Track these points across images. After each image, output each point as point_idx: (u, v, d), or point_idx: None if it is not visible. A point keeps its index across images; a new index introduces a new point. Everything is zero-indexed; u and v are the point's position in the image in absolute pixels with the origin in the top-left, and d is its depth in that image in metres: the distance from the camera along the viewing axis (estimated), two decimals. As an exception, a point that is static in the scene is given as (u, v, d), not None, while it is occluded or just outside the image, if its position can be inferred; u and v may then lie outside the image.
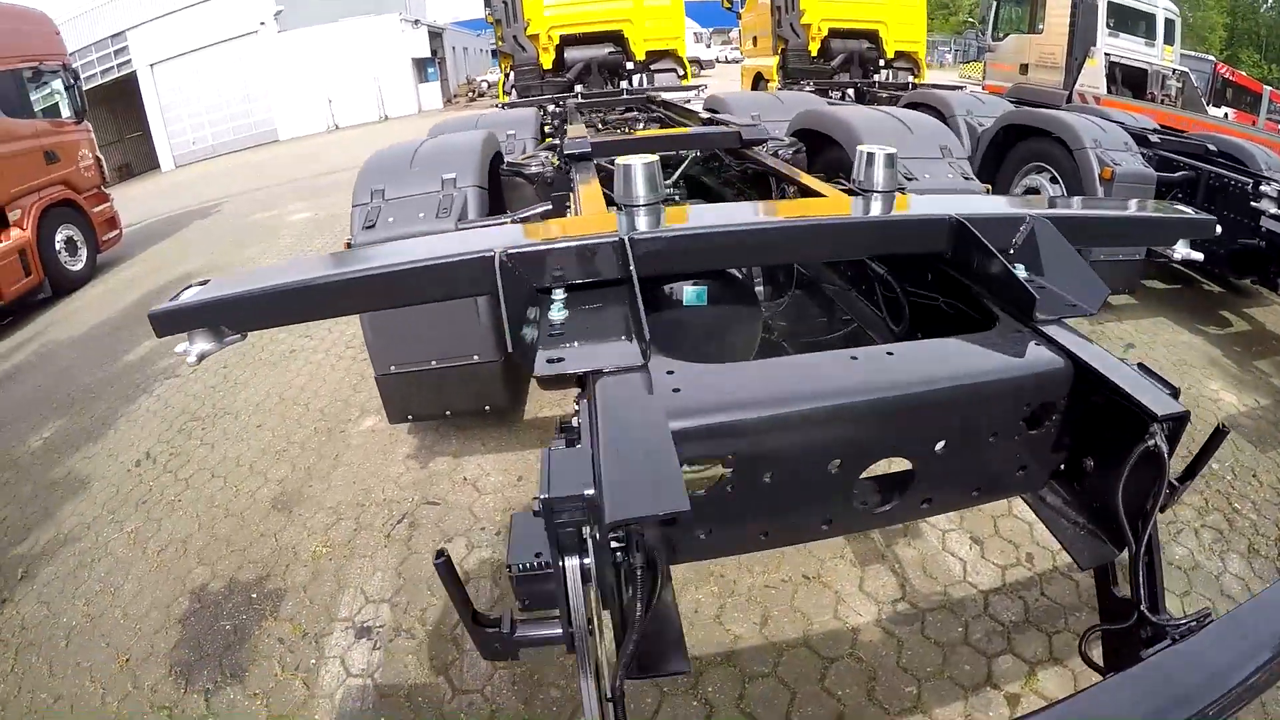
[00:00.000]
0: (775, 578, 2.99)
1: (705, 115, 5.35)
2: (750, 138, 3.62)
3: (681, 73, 10.19)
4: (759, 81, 11.79)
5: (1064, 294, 1.66)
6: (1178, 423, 1.29)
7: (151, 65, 28.82)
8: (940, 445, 1.44)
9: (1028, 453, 1.54)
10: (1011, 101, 7.66)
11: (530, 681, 2.63)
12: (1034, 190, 5.36)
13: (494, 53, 10.18)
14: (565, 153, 3.77)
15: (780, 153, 3.83)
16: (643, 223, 1.86)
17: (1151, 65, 11.48)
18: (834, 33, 9.79)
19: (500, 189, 3.89)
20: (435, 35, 35.34)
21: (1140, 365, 1.45)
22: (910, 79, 9.69)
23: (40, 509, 4.35)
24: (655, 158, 2.01)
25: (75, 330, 8.52)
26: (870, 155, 2.15)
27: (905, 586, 2.93)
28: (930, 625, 2.74)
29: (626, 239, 1.64)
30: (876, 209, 2.06)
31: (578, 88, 9.61)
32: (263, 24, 28.89)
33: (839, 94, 9.60)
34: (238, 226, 13.31)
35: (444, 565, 1.17)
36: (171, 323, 1.61)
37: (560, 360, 1.42)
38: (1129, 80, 10.89)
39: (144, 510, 4.12)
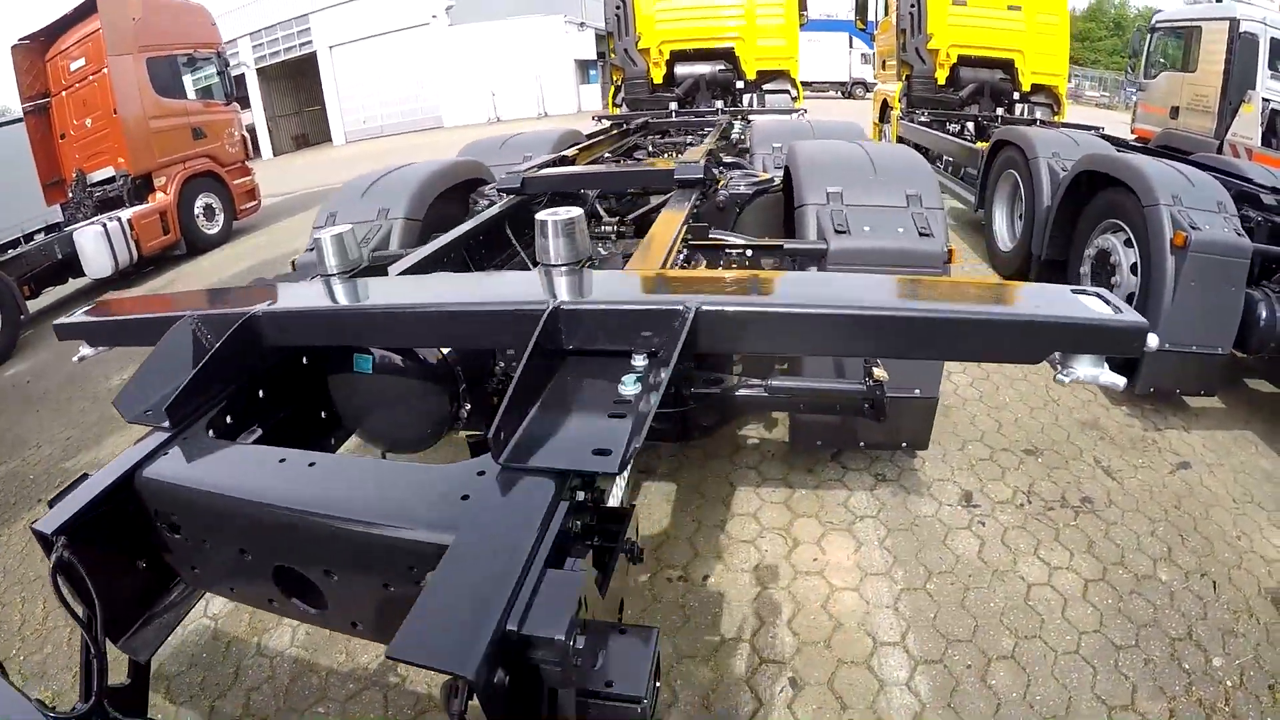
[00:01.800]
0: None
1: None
2: (682, 177, 3.51)
3: (794, 94, 9.96)
4: (886, 109, 11.26)
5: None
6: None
7: (330, 47, 32.28)
8: (333, 575, 1.38)
9: None
10: (1155, 149, 6.78)
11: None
12: (1105, 254, 4.70)
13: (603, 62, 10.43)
14: (498, 187, 3.87)
15: (732, 191, 3.69)
16: (342, 295, 2.03)
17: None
18: (964, 60, 9.10)
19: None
20: (603, 38, 36.57)
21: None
22: (1040, 116, 8.83)
23: (94, 436, 5.25)
24: (349, 228, 2.13)
25: (193, 286, 9.68)
26: (543, 223, 1.83)
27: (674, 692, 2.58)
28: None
29: (252, 314, 1.84)
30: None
31: (672, 105, 9.67)
32: (434, 17, 31.36)
33: (957, 126, 8.98)
34: (364, 209, 14.39)
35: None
36: (63, 332, 2.25)
37: (143, 412, 1.71)
38: (1295, 132, 9.21)
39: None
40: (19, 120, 11.07)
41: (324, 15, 31.46)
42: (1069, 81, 9.34)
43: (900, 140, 10.37)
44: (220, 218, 12.19)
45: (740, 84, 9.91)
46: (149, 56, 10.70)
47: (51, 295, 9.85)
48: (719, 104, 9.73)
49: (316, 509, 1.34)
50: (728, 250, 2.94)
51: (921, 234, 3.02)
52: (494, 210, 3.75)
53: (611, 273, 2.02)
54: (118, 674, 1.58)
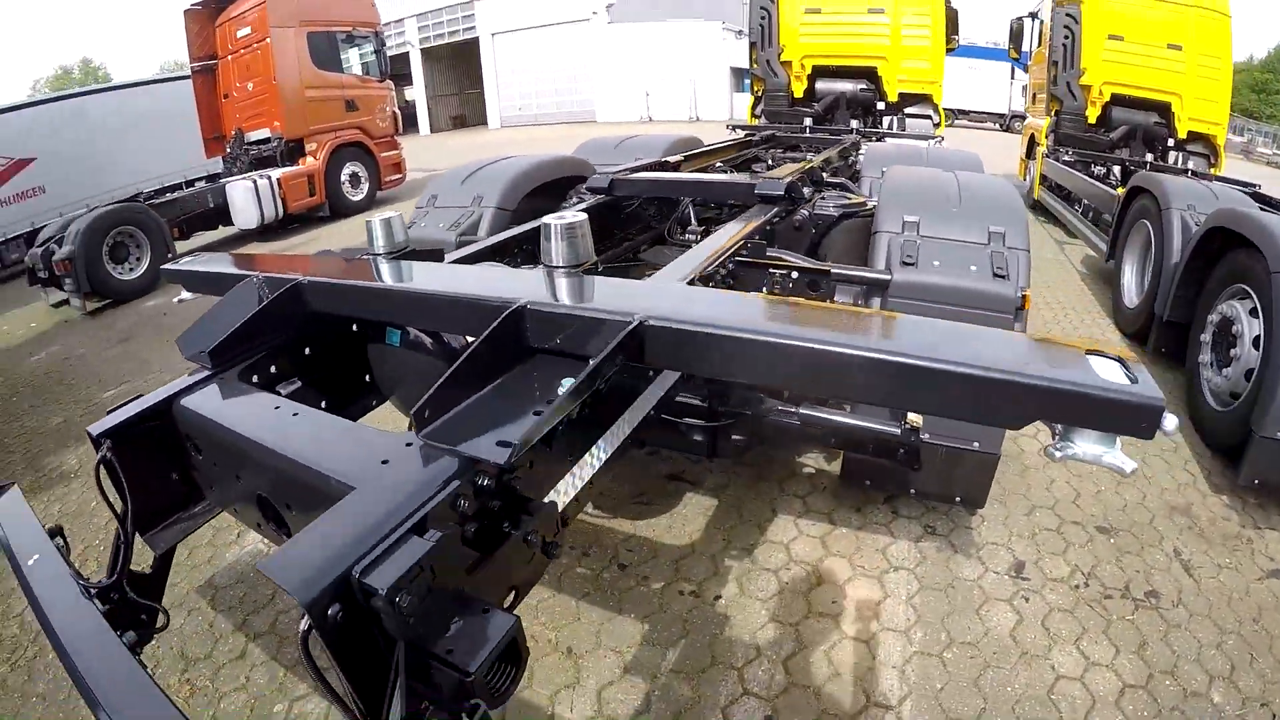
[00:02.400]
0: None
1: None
2: (762, 192, 3.49)
3: (936, 120, 9.58)
4: (1033, 146, 10.59)
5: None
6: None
7: (492, 34, 33.90)
8: (291, 509, 1.56)
9: None
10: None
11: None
12: (1228, 323, 4.17)
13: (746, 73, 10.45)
14: (588, 187, 3.96)
15: (817, 212, 3.59)
16: (372, 274, 2.24)
17: None
18: (1117, 99, 8.39)
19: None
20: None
21: None
22: (1193, 166, 7.95)
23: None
24: (397, 214, 2.39)
25: (329, 245, 10.45)
26: (546, 226, 1.97)
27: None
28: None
29: (297, 281, 2.07)
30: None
31: (807, 121, 9.56)
32: (594, 14, 32.16)
33: (1104, 169, 8.31)
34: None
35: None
36: (167, 276, 2.58)
37: (197, 352, 1.97)
38: None
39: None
40: (187, 77, 12.18)
41: (488, 2, 33.12)
42: (1240, 135, 8.41)
43: (1044, 179, 9.75)
44: (365, 186, 13.03)
45: (881, 105, 9.65)
46: (310, 31, 11.56)
47: (201, 239, 10.82)
48: (855, 124, 9.52)
49: (274, 447, 1.51)
50: (771, 271, 2.85)
51: (996, 275, 2.81)
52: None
53: (598, 279, 2.04)
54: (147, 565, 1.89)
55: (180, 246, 9.78)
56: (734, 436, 2.82)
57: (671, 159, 5.23)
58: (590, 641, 2.84)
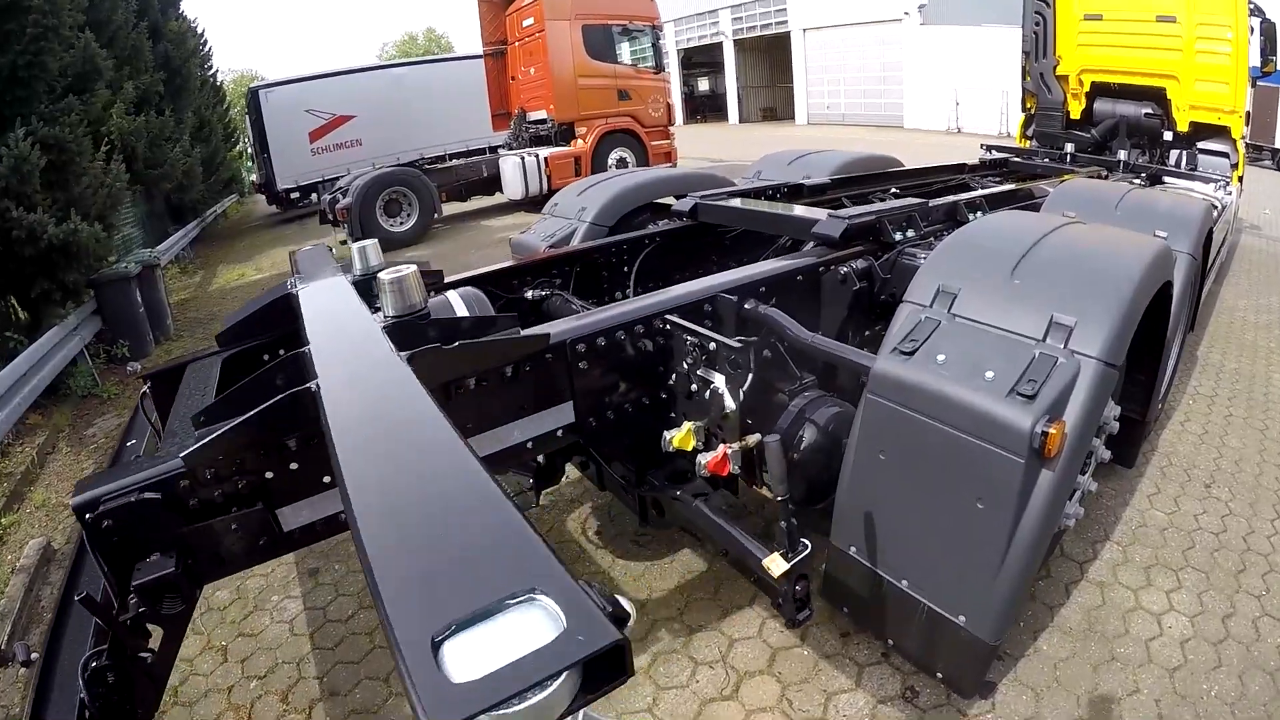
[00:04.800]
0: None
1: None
2: (818, 232, 2.95)
3: (1234, 160, 7.37)
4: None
5: None
6: None
7: (804, 30, 32.64)
8: None
9: None
10: None
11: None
12: None
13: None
14: (673, 209, 3.73)
15: (901, 260, 2.91)
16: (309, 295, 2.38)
17: None
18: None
19: None
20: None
21: None
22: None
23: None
24: (373, 242, 2.63)
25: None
26: (379, 280, 1.99)
27: None
28: None
29: (288, 291, 2.46)
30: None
31: (1069, 146, 7.97)
32: (906, 14, 29.15)
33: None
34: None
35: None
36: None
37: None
38: None
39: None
40: (480, 57, 13.24)
41: (801, -1, 31.93)
42: None
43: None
44: (633, 171, 13.47)
45: (1168, 135, 7.64)
46: (584, 24, 11.93)
47: (477, 203, 12.00)
48: (1122, 154, 7.68)
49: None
50: (684, 337, 2.27)
51: (1016, 391, 1.89)
52: (638, 233, 3.67)
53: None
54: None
55: (458, 208, 10.96)
56: (653, 510, 2.54)
57: (810, 183, 4.63)
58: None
